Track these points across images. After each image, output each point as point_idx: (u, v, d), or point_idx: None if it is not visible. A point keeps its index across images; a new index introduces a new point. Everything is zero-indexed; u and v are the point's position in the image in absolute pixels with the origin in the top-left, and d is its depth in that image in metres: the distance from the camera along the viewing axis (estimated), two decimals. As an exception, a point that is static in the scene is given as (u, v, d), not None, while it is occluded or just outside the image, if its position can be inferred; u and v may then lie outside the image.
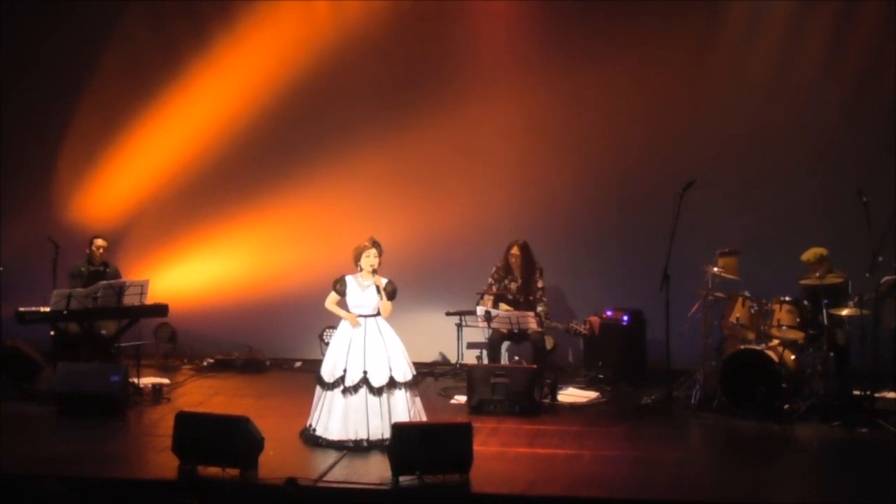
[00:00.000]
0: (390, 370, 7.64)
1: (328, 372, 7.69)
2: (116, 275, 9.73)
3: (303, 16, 10.85)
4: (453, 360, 10.37)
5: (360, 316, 7.76)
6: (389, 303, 7.76)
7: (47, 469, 6.80)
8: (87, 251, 9.81)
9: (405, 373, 7.71)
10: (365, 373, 7.59)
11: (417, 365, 10.15)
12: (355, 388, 7.57)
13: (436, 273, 10.58)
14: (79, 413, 8.37)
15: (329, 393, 7.64)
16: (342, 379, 7.60)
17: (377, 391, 7.57)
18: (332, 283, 7.88)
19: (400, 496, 6.68)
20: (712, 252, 9.27)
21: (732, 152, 10.19)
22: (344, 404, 7.57)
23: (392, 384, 7.62)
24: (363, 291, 7.76)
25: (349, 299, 7.81)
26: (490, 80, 10.56)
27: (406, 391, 7.68)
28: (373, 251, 7.70)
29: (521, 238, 9.60)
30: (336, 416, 7.57)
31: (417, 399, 7.82)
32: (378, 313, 7.77)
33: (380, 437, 7.51)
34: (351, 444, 7.49)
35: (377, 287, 7.71)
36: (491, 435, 7.96)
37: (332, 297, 7.88)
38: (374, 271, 7.70)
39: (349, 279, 7.82)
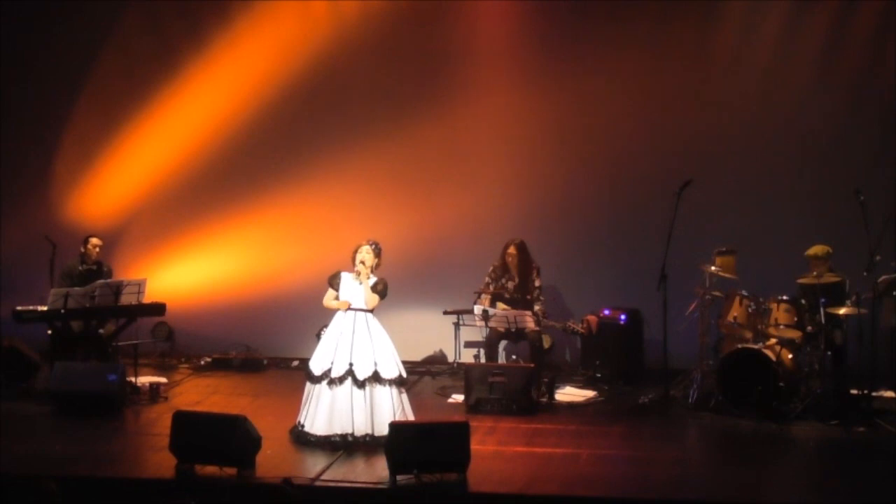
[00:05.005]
0: (375, 365, 7.65)
1: (317, 366, 7.73)
2: (110, 274, 9.72)
3: (300, 16, 10.84)
4: (451, 358, 10.37)
5: (351, 309, 7.79)
6: (375, 295, 7.78)
7: (44, 468, 6.80)
8: (82, 250, 9.77)
9: (391, 370, 7.72)
10: (350, 364, 7.61)
11: (415, 363, 10.25)
12: (340, 380, 7.59)
13: (433, 272, 10.58)
14: (76, 412, 8.36)
15: (317, 387, 7.68)
16: (329, 371, 7.63)
17: (361, 384, 7.59)
18: (327, 280, 7.95)
19: (397, 495, 6.68)
20: (709, 251, 9.27)
21: (730, 151, 10.18)
22: (330, 398, 7.59)
23: (376, 378, 7.63)
24: (356, 286, 7.81)
25: (343, 293, 7.86)
26: (487, 81, 10.54)
27: (391, 388, 7.69)
28: (365, 247, 7.81)
29: (518, 237, 9.60)
30: (322, 411, 7.60)
31: (405, 397, 7.81)
32: (370, 310, 7.81)
33: (363, 433, 7.53)
34: (337, 440, 7.51)
35: (364, 287, 7.76)
36: (488, 434, 7.96)
37: (330, 294, 7.92)
38: (363, 265, 7.74)
39: (344, 274, 7.89)
